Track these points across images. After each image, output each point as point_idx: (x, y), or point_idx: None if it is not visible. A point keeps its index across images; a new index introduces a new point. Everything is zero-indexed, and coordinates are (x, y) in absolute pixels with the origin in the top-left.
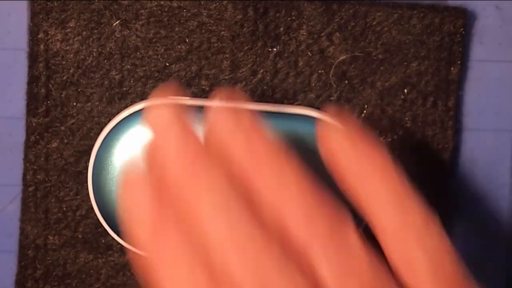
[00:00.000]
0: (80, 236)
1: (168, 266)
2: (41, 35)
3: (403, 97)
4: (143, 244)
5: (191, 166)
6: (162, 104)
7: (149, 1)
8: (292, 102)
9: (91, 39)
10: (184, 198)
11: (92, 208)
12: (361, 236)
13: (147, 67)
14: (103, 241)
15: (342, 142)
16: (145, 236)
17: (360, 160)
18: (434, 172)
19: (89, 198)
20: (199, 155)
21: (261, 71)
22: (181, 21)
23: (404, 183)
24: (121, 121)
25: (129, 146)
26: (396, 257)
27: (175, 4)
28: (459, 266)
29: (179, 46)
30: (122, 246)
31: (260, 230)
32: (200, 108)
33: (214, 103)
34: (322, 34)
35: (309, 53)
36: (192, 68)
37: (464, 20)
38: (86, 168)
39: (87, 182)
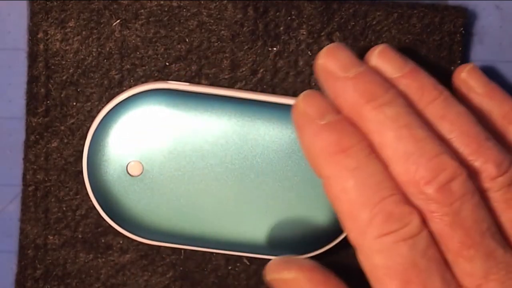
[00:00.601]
0: (80, 236)
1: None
2: (40, 35)
3: None
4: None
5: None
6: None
7: (149, 1)
8: None
9: (90, 38)
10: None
11: (92, 208)
12: None
13: (147, 67)
14: (103, 240)
15: None
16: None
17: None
18: None
19: (89, 198)
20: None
21: (261, 70)
22: (181, 21)
23: None
24: (119, 103)
25: (126, 128)
26: None
27: (175, 4)
28: None
29: (179, 46)
30: (122, 245)
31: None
32: (200, 95)
33: (214, 90)
34: (322, 34)
35: (309, 52)
36: (192, 67)
37: (464, 19)
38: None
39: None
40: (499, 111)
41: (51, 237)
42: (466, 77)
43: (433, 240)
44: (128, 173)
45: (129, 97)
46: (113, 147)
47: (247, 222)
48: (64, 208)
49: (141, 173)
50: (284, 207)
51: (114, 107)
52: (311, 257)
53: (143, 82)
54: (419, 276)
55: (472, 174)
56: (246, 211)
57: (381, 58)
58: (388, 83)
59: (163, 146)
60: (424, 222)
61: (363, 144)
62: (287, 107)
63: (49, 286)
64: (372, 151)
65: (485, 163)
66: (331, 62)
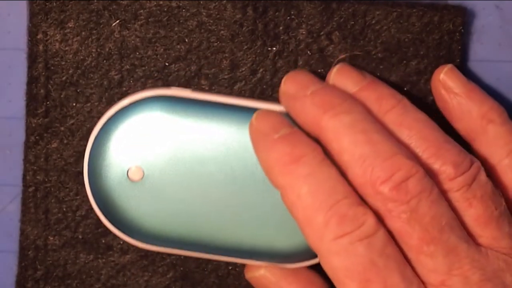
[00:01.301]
0: (80, 237)
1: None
2: (40, 36)
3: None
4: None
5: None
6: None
7: (148, 1)
8: None
9: (90, 39)
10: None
11: (92, 208)
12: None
13: (146, 67)
14: (103, 241)
15: None
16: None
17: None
18: None
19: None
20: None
21: (261, 70)
22: (180, 21)
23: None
24: (121, 109)
25: (127, 134)
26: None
27: (174, 4)
28: None
29: (178, 46)
30: (123, 246)
31: (398, 148)
32: (201, 102)
33: (216, 97)
34: (322, 33)
35: (308, 52)
36: (192, 67)
37: (463, 18)
38: None
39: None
40: (478, 110)
41: (52, 238)
42: (444, 77)
43: (392, 239)
44: (129, 178)
45: (130, 103)
46: (114, 152)
47: (247, 228)
48: (64, 209)
49: (142, 178)
50: (284, 214)
51: (115, 112)
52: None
53: (142, 82)
54: (378, 274)
55: (433, 177)
56: (246, 217)
57: (339, 75)
58: (346, 94)
59: (164, 152)
60: (381, 221)
61: (316, 152)
62: (287, 115)
63: (49, 287)
64: (325, 158)
65: (444, 165)
66: (291, 85)
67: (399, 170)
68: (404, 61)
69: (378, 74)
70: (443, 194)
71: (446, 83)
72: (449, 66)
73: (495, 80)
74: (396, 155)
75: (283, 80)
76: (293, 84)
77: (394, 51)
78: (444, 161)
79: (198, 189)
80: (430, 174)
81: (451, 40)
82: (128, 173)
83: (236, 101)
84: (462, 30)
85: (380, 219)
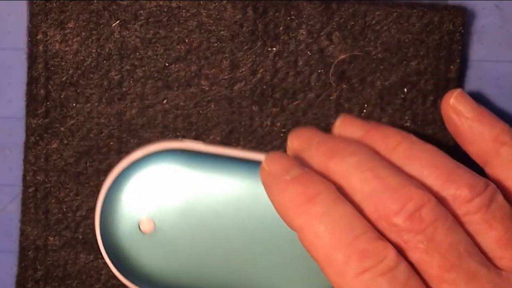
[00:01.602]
0: (80, 237)
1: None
2: (40, 36)
3: (402, 96)
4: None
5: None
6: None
7: (148, 2)
8: (291, 101)
9: (90, 39)
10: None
11: (92, 209)
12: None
13: (146, 68)
14: None
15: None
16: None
17: None
18: None
19: (89, 198)
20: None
21: (261, 70)
22: (181, 21)
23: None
24: (133, 161)
25: (139, 186)
26: None
27: (174, 4)
28: None
29: (178, 46)
30: None
31: (408, 181)
32: (213, 155)
33: (229, 151)
34: (322, 34)
35: (308, 52)
36: (192, 68)
37: (463, 18)
38: (86, 168)
39: (87, 183)
40: (490, 133)
41: (52, 238)
42: (454, 102)
43: (413, 271)
44: (140, 230)
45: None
46: (126, 204)
47: (259, 281)
48: (64, 209)
49: (153, 230)
50: (296, 267)
51: (128, 165)
52: None
53: (142, 83)
54: None
55: (449, 202)
56: (257, 271)
57: (342, 125)
58: (350, 140)
59: (175, 204)
60: (401, 254)
61: (330, 190)
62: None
63: (49, 287)
64: (340, 195)
65: (459, 189)
66: (296, 141)
67: (410, 200)
68: (404, 62)
69: (378, 74)
70: (462, 218)
71: (456, 108)
72: (459, 90)
73: (495, 80)
74: (406, 186)
75: (288, 138)
76: (298, 140)
77: (394, 51)
78: (459, 185)
79: (210, 241)
80: (446, 199)
81: (451, 40)
82: (140, 225)
83: (247, 154)
84: (462, 31)
85: (400, 252)
